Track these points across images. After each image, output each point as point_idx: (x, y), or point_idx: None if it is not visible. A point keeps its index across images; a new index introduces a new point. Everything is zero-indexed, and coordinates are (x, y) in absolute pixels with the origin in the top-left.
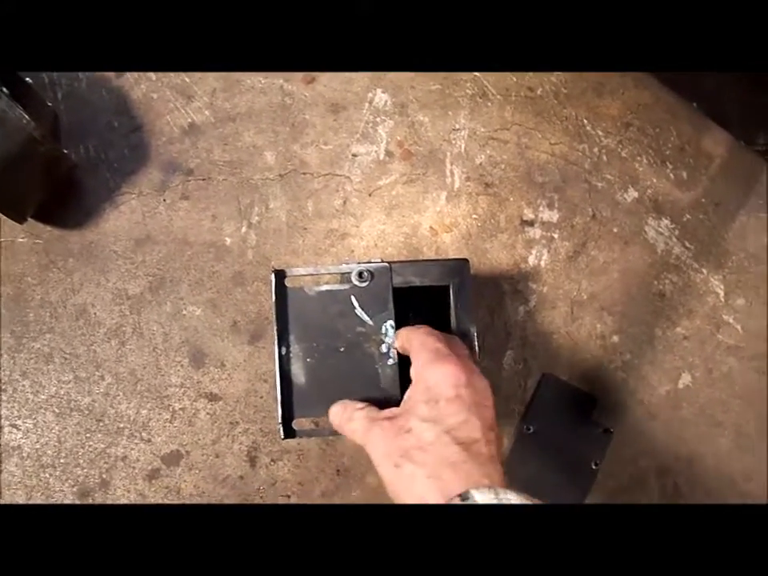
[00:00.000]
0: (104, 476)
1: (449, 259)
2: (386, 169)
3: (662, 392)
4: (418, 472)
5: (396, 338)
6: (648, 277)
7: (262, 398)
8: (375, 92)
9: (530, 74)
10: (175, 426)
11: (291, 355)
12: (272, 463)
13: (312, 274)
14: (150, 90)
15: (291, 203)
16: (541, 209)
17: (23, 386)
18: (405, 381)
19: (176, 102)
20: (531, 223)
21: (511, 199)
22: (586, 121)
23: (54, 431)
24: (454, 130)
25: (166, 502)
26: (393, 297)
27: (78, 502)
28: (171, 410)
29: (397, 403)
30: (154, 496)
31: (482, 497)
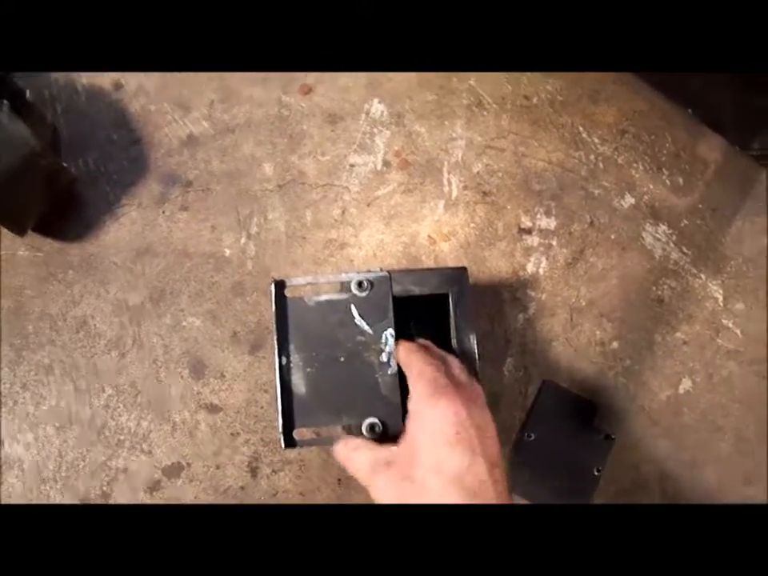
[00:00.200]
0: (105, 488)
1: (447, 268)
2: (384, 179)
3: (663, 397)
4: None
5: (395, 351)
6: (646, 283)
7: (262, 408)
8: (372, 102)
9: (526, 82)
10: (176, 438)
11: (291, 365)
12: (273, 474)
13: (311, 283)
14: (149, 103)
15: (290, 214)
16: (538, 216)
17: (24, 398)
18: (405, 389)
19: (174, 115)
20: (529, 231)
21: (509, 207)
22: (581, 128)
23: (54, 444)
24: (450, 139)
25: None
26: (393, 306)
27: None
28: (172, 421)
29: (397, 411)
30: None
31: None
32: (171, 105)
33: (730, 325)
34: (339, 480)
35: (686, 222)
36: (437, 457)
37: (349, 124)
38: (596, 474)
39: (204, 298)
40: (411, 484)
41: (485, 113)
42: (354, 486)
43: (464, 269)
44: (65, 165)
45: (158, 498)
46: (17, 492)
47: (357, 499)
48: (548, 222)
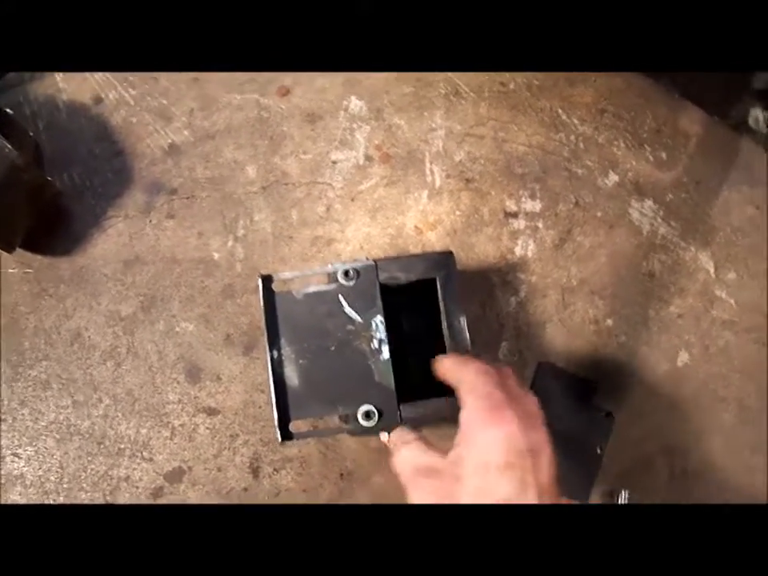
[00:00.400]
0: (108, 498)
1: (433, 253)
2: (367, 173)
3: (661, 372)
4: None
5: (436, 366)
6: (636, 258)
7: (260, 408)
8: (350, 99)
9: None
10: (176, 443)
11: (283, 358)
12: (275, 472)
13: (298, 276)
14: (129, 115)
15: (275, 214)
16: (523, 200)
17: (22, 414)
18: (399, 374)
19: (155, 125)
20: (515, 215)
21: (493, 193)
22: (560, 110)
23: (55, 457)
24: (430, 130)
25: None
26: (380, 293)
27: None
28: (171, 427)
29: (392, 397)
30: None
31: None
32: (152, 115)
33: (723, 295)
34: (341, 474)
35: (671, 196)
36: (484, 483)
37: (328, 122)
38: (599, 452)
39: (195, 302)
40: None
41: (463, 101)
42: (357, 479)
43: (450, 253)
44: (49, 179)
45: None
46: None
47: (360, 493)
48: (533, 205)
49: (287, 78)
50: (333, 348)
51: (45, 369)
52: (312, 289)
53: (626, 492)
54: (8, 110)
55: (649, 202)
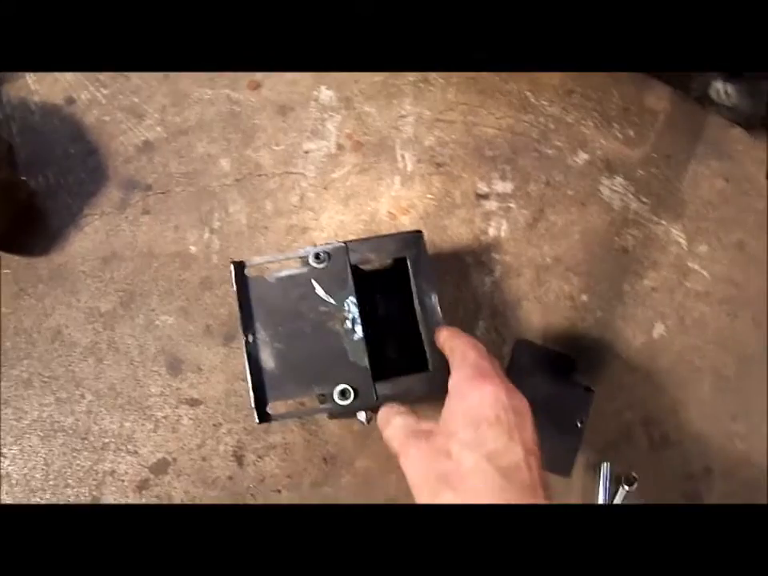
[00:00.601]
0: (94, 493)
1: (403, 232)
2: (339, 161)
3: (638, 344)
4: (457, 500)
5: (436, 336)
6: (609, 234)
7: (241, 396)
8: (320, 90)
9: None
10: (159, 435)
11: (259, 341)
12: (259, 460)
13: (270, 261)
14: (102, 114)
15: (250, 205)
16: (494, 181)
17: (5, 413)
18: (375, 354)
19: (128, 123)
20: (486, 196)
21: (464, 176)
22: (528, 93)
23: (40, 454)
24: (400, 116)
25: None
26: (353, 275)
27: None
28: (154, 419)
29: (367, 375)
30: None
31: None
32: (124, 113)
33: (696, 267)
34: (325, 459)
35: (641, 172)
36: (475, 435)
37: (299, 113)
38: (579, 426)
39: (174, 295)
40: (445, 458)
41: (432, 88)
42: (341, 463)
43: (419, 232)
44: (23, 179)
45: (147, 497)
46: None
47: (344, 477)
48: (504, 186)
49: (258, 72)
50: (307, 330)
51: (26, 367)
52: (284, 273)
53: (608, 465)
54: None
55: (619, 179)
